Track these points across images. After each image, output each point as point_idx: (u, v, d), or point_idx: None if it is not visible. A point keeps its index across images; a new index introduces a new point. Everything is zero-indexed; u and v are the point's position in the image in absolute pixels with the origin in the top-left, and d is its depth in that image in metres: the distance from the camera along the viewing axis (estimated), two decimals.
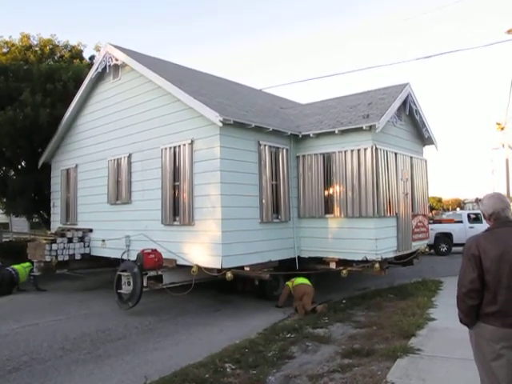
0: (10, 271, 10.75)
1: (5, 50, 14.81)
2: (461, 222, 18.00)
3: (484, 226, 17.11)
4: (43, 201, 15.01)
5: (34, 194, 14.98)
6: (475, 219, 17.91)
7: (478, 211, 19.39)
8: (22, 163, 15.53)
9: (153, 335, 6.99)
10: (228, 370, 5.16)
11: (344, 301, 8.73)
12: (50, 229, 15.41)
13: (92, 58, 16.30)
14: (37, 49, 15.34)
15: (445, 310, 7.41)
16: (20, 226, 26.52)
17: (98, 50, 16.30)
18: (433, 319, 6.87)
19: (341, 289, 9.63)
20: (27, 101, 12.88)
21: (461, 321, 3.09)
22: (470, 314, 2.94)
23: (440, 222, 19.38)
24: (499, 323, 2.81)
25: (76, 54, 15.98)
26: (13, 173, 15.92)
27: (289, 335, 6.49)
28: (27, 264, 11.11)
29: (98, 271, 12.69)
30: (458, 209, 67.26)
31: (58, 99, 13.46)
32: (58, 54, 15.83)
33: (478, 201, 33.16)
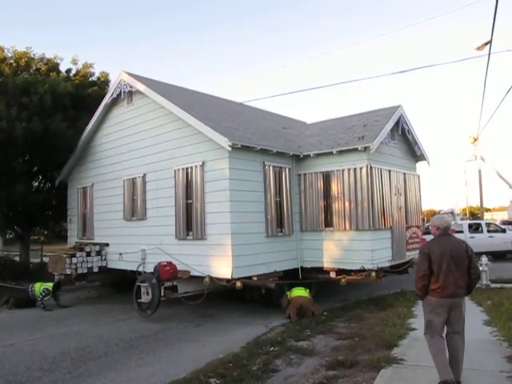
0: (25, 289, 10.95)
1: None
2: (461, 231, 17.81)
3: (484, 235, 17.55)
4: (17, 216, 14.61)
5: (7, 210, 14.32)
6: (476, 229, 17.98)
7: (479, 221, 19.67)
8: None
9: (135, 352, 6.74)
10: None
11: (325, 313, 8.66)
12: (25, 245, 15.64)
13: (69, 71, 15.92)
14: (12, 61, 14.81)
15: None
16: None
17: (76, 64, 16.14)
18: (413, 329, 6.84)
19: (321, 301, 9.50)
20: (2, 114, 12.30)
21: (417, 294, 4.73)
22: (423, 290, 4.52)
23: None
24: (439, 296, 4.41)
25: (52, 67, 15.53)
26: None
27: (272, 348, 6.37)
28: (48, 284, 10.97)
29: (74, 288, 12.62)
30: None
31: (35, 113, 12.90)
32: (34, 67, 15.37)
33: (451, 212, 33.96)
